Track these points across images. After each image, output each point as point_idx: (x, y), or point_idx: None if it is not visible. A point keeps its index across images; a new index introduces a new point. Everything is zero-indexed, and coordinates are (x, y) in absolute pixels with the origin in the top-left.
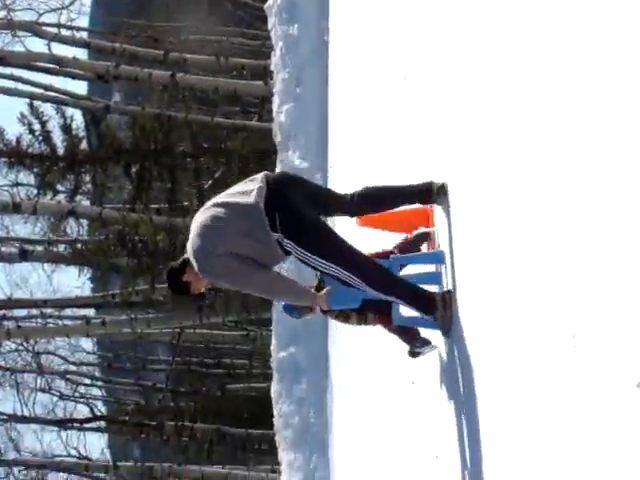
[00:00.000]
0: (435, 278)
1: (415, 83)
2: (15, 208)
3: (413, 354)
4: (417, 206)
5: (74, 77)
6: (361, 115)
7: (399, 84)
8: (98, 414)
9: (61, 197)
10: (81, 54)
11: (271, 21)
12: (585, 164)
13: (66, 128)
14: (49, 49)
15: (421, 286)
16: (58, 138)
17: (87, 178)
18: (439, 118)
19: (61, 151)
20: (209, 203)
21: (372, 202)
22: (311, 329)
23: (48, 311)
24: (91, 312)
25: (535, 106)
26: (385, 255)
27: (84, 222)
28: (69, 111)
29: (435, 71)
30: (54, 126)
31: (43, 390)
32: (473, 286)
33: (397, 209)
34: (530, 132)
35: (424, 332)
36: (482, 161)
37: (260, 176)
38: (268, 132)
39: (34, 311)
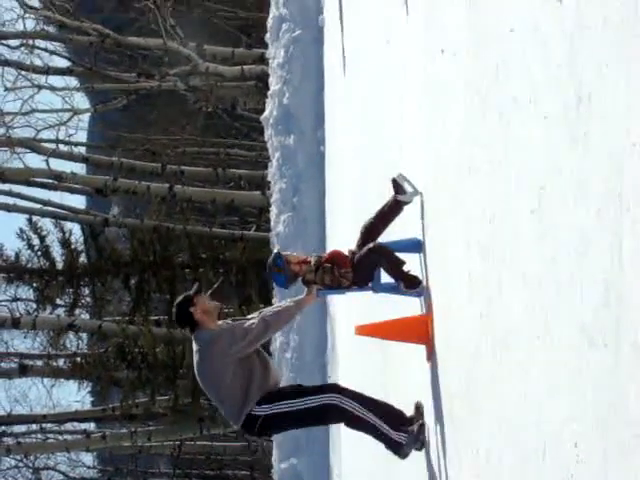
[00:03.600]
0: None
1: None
2: (14, 323)
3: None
4: (416, 314)
5: (72, 192)
6: (359, 224)
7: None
8: None
9: (60, 311)
10: (79, 169)
11: (267, 132)
12: None
13: (65, 242)
14: (47, 165)
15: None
16: (57, 252)
17: (86, 291)
18: (433, 226)
19: (60, 265)
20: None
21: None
22: (313, 439)
23: (48, 426)
24: (91, 426)
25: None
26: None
27: (83, 335)
28: (68, 225)
29: (430, 183)
30: (53, 240)
31: None
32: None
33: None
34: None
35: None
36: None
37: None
38: (266, 242)
39: (34, 426)
